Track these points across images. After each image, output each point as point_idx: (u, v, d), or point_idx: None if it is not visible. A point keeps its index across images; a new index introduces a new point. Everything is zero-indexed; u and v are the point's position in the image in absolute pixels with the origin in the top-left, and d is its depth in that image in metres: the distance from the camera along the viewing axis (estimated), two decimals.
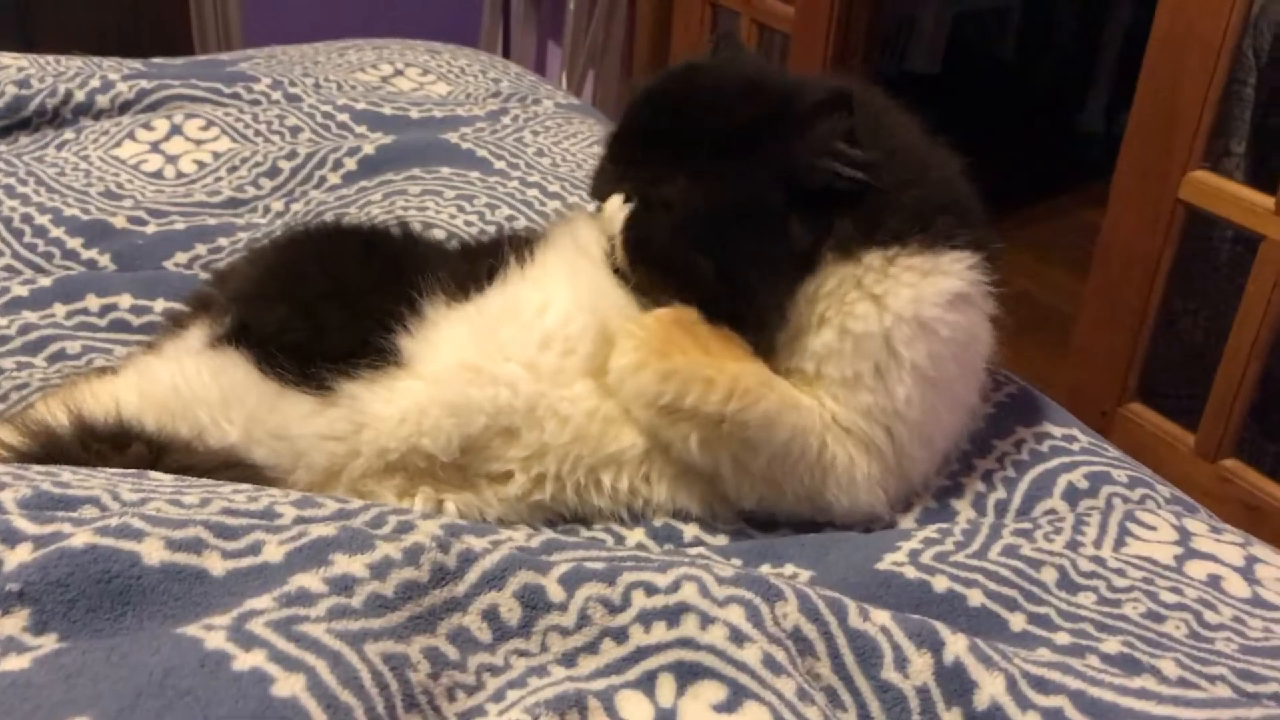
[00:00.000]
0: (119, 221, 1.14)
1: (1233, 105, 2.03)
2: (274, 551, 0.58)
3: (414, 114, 1.37)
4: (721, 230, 0.81)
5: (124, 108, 1.34)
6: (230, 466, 0.78)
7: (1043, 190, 3.03)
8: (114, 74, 1.37)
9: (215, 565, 0.57)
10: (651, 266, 0.84)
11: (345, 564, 0.57)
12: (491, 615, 0.60)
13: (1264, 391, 1.76)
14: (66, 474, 0.66)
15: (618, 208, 0.86)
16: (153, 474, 0.69)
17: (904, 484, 0.86)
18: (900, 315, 0.80)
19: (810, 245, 0.80)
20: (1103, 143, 3.25)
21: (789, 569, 0.78)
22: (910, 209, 0.81)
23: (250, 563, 0.57)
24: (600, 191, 0.89)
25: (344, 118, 1.35)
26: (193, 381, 0.82)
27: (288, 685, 0.49)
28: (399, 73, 1.52)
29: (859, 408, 0.81)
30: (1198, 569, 0.80)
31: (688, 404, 0.78)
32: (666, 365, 0.78)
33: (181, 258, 1.12)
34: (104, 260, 1.11)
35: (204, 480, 0.70)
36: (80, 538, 0.56)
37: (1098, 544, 0.82)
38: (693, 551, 0.80)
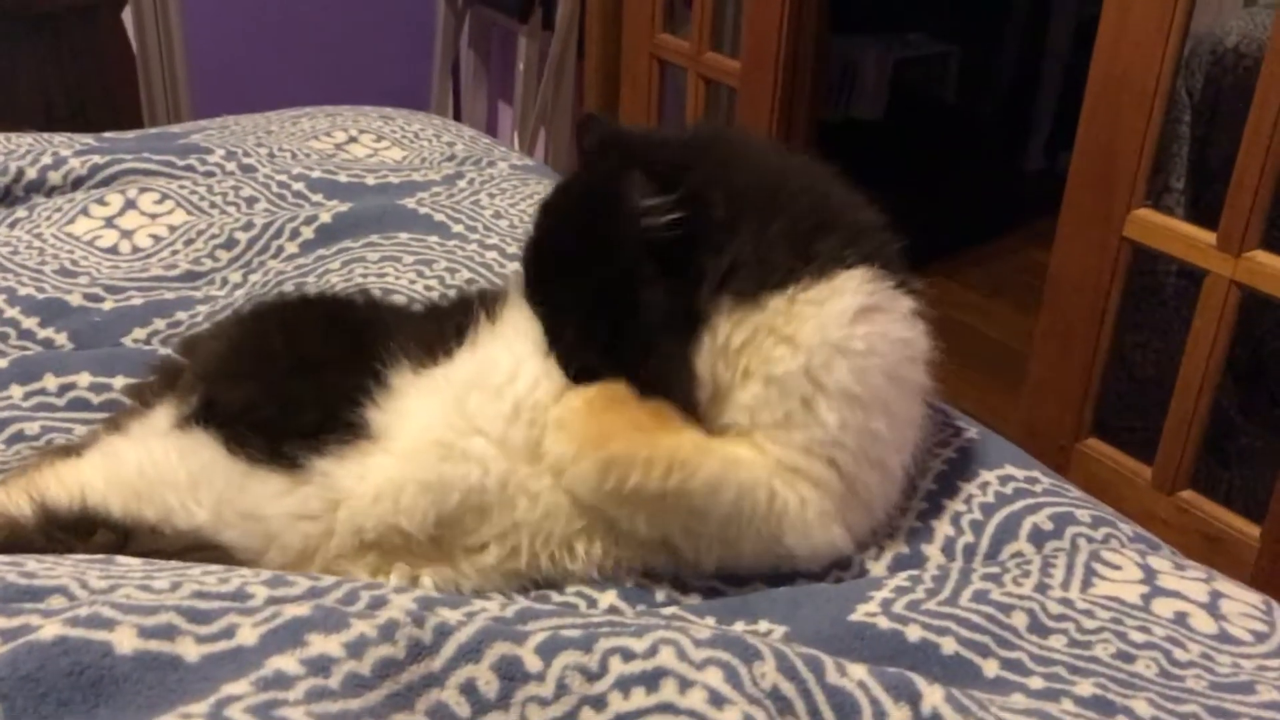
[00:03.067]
0: (75, 299, 1.13)
1: (1170, 143, 2.08)
2: (248, 634, 0.58)
3: (370, 180, 1.37)
4: (607, 324, 0.83)
5: (77, 183, 1.33)
6: (199, 549, 0.77)
7: (989, 229, 3.09)
8: (66, 150, 1.36)
9: (189, 651, 0.56)
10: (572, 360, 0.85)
11: (321, 644, 0.57)
12: (469, 689, 0.60)
13: (1214, 422, 1.79)
14: (31, 563, 0.65)
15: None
16: (120, 559, 0.68)
17: (865, 514, 0.86)
18: (810, 346, 0.80)
19: (687, 299, 0.81)
20: (1046, 180, 3.31)
21: (763, 625, 0.78)
22: (785, 241, 0.82)
23: (225, 646, 0.57)
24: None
25: (299, 186, 1.35)
26: (160, 464, 0.81)
27: None
28: (353, 139, 1.52)
29: (797, 445, 0.81)
30: (1164, 607, 0.81)
31: (629, 487, 0.78)
32: (604, 454, 0.78)
33: (140, 333, 1.11)
34: (61, 339, 1.10)
35: (172, 563, 0.69)
36: (49, 629, 0.55)
37: (1065, 585, 0.83)
38: (666, 612, 0.80)
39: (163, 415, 0.86)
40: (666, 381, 0.82)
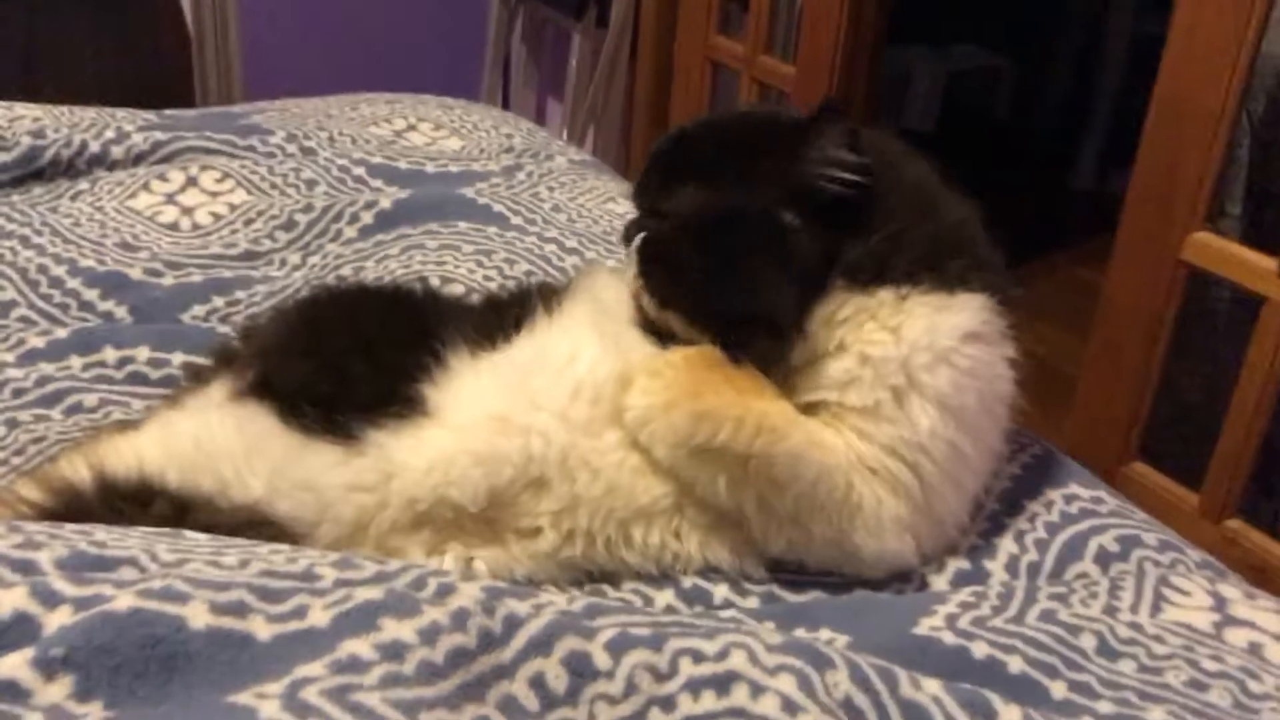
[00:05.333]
0: (135, 273, 1.13)
1: (1228, 167, 2.05)
2: (320, 615, 0.57)
3: (429, 168, 1.37)
4: (729, 237, 0.83)
5: (138, 159, 1.33)
6: (254, 525, 0.77)
7: (1036, 247, 3.05)
8: (128, 125, 1.37)
9: (261, 630, 0.55)
10: (665, 281, 0.85)
11: (394, 629, 0.56)
12: (539, 683, 0.59)
13: (1262, 452, 1.76)
14: (101, 533, 0.64)
15: (637, 242, 0.88)
16: (187, 533, 0.68)
17: (936, 528, 0.85)
18: (916, 344, 0.80)
19: (819, 262, 0.81)
20: (1096, 199, 3.28)
21: (825, 633, 0.77)
22: (921, 247, 0.83)
23: (296, 627, 0.56)
24: (627, 235, 0.91)
25: (359, 171, 1.34)
26: (216, 434, 0.81)
27: None
28: (412, 127, 1.52)
29: (883, 442, 0.80)
30: (1237, 636, 0.79)
31: (718, 442, 0.77)
32: (699, 405, 0.78)
33: (199, 310, 1.11)
34: (120, 312, 1.10)
35: (238, 540, 0.68)
36: (123, 600, 0.54)
37: (1134, 609, 0.81)
38: (725, 615, 0.79)
39: (219, 389, 0.86)
40: (774, 328, 0.82)
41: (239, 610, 0.56)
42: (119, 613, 0.53)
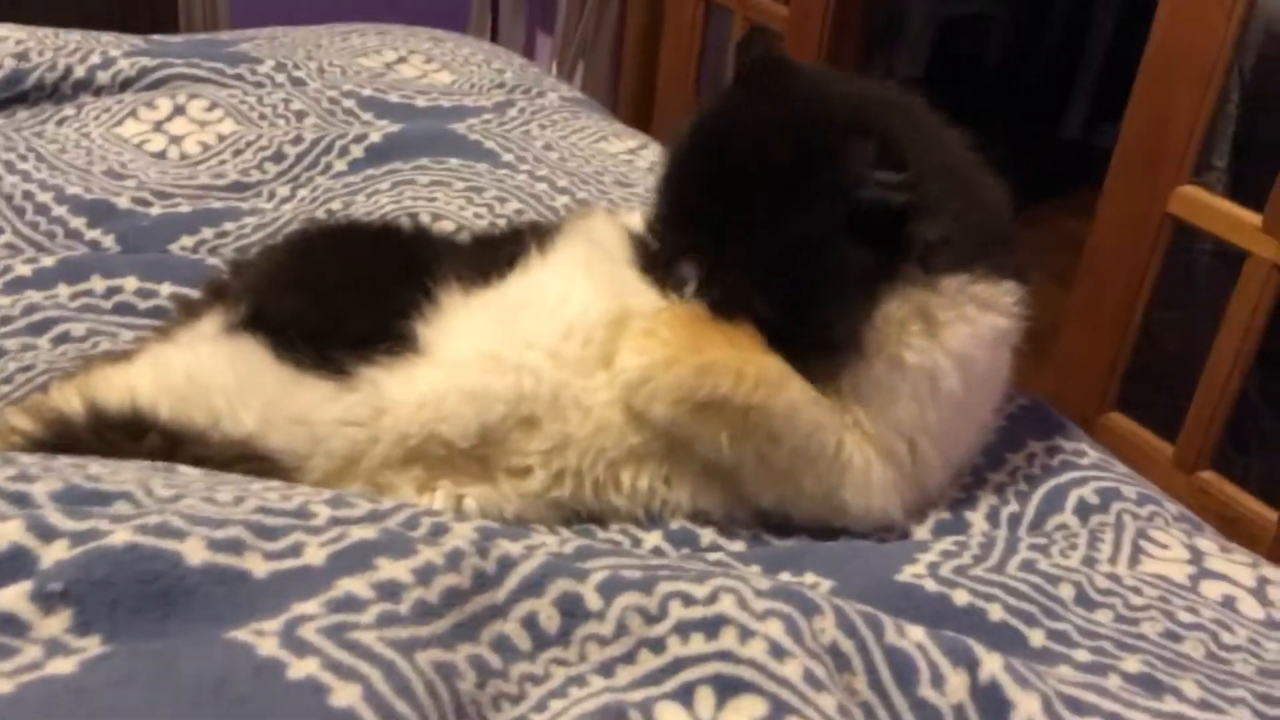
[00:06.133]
0: (123, 202, 1.12)
1: (1216, 121, 2.05)
2: (315, 554, 0.57)
3: (420, 102, 1.35)
4: (789, 277, 0.81)
5: (125, 85, 1.31)
6: (246, 459, 0.77)
7: (1023, 197, 3.05)
8: (115, 50, 1.34)
9: (258, 567, 0.56)
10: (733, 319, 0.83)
11: (390, 569, 0.57)
12: (531, 623, 0.60)
13: (1236, 405, 1.79)
14: (95, 466, 0.64)
15: (686, 276, 0.84)
16: (182, 468, 0.68)
17: (920, 494, 0.86)
18: (950, 351, 0.81)
19: (879, 265, 0.80)
20: (1082, 151, 3.27)
21: (809, 578, 0.78)
22: (979, 232, 0.83)
23: (292, 564, 0.57)
24: (666, 259, 0.86)
25: (350, 103, 1.33)
26: (208, 367, 0.81)
27: (344, 695, 0.48)
28: (402, 59, 1.50)
29: (888, 421, 0.82)
30: (1212, 589, 0.81)
31: (720, 395, 0.77)
32: (701, 360, 0.78)
33: (187, 241, 1.10)
34: (107, 241, 1.09)
35: (233, 475, 0.69)
36: (120, 535, 0.54)
37: (1112, 560, 0.82)
38: (711, 558, 0.80)
39: (210, 323, 0.85)
40: (836, 339, 0.81)
41: (235, 547, 0.56)
42: (116, 547, 0.54)
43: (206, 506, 0.60)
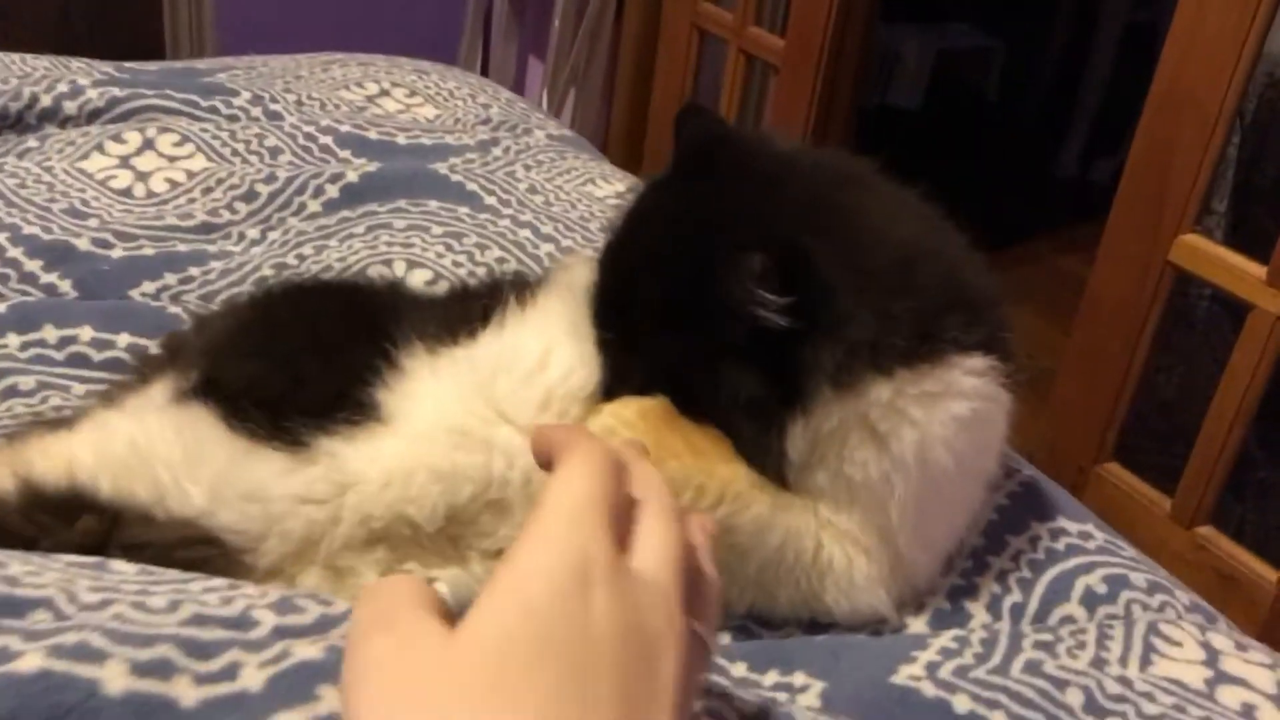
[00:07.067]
0: (83, 244, 1.06)
1: (1218, 164, 2.02)
2: (253, 676, 0.52)
3: (401, 139, 1.30)
4: (688, 394, 0.76)
5: (93, 116, 1.26)
6: (193, 543, 0.71)
7: (1016, 232, 3.02)
8: (84, 78, 1.29)
9: (186, 694, 0.50)
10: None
11: (333, 700, 0.51)
12: None
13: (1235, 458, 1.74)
14: (15, 565, 0.58)
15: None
16: (113, 564, 0.62)
17: (906, 585, 0.81)
18: (902, 459, 0.73)
19: (774, 389, 0.73)
20: (1078, 187, 3.24)
21: (799, 677, 0.73)
22: (908, 324, 0.73)
23: (226, 690, 0.51)
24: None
25: (327, 140, 1.27)
26: (154, 438, 0.75)
27: None
28: (385, 93, 1.45)
29: (855, 522, 0.76)
30: (1230, 696, 0.75)
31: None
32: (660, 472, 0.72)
33: (149, 287, 1.04)
34: (65, 286, 1.03)
35: (171, 573, 0.63)
36: (31, 659, 0.49)
37: (1123, 661, 0.77)
38: None
39: (160, 390, 0.80)
40: (751, 457, 0.75)
41: (163, 670, 0.50)
42: (25, 675, 0.48)
43: (136, 615, 0.55)
